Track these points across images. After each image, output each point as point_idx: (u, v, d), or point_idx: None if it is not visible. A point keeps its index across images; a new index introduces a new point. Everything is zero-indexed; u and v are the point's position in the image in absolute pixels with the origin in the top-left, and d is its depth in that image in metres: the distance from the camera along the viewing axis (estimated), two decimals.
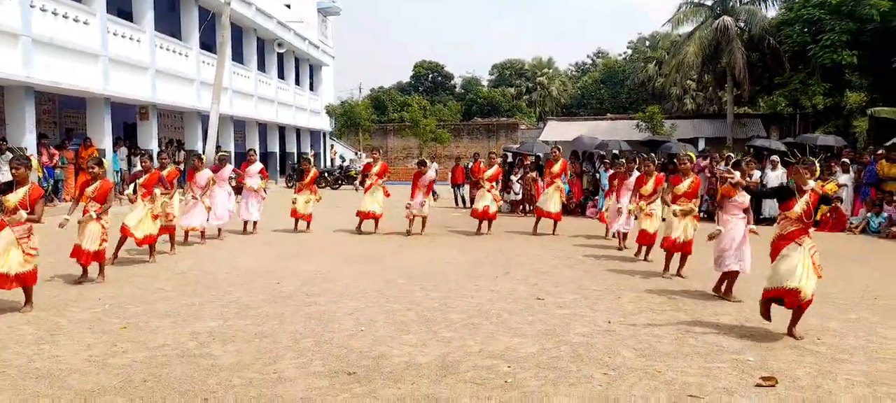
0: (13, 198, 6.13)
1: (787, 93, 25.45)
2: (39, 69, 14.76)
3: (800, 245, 5.65)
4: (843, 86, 25.47)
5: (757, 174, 15.02)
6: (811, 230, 5.81)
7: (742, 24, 26.97)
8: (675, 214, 8.29)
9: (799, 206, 5.73)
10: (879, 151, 14.53)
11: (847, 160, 14.80)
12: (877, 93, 23.88)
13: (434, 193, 12.95)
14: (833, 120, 27.16)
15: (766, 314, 5.86)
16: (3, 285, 6.03)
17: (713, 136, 29.50)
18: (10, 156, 6.72)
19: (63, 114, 19.38)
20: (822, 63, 22.01)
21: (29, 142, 14.88)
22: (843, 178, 14.36)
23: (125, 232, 8.76)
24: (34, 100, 15.30)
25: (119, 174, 18.39)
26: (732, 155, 16.86)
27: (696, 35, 27.87)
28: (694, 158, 10.78)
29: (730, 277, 7.24)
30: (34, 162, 14.81)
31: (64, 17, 15.76)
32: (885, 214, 13.38)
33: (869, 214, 13.66)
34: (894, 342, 5.62)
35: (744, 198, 7.22)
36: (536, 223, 13.03)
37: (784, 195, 5.96)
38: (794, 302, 5.56)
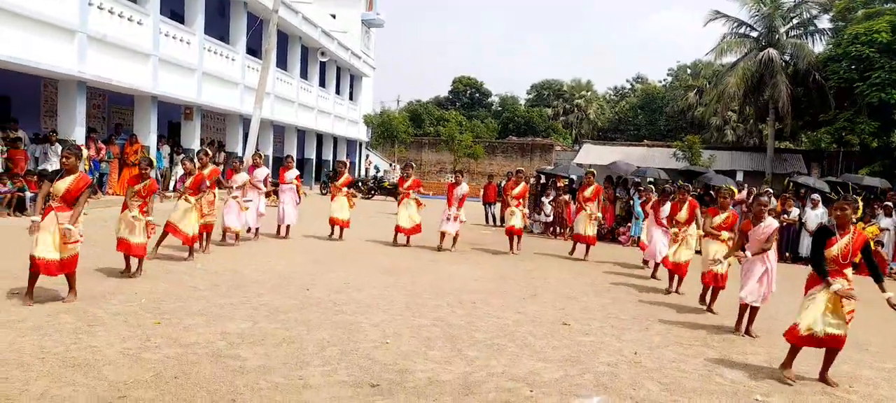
0: (61, 186, 6.37)
1: (833, 130, 24.89)
2: (93, 65, 15.30)
3: (830, 285, 5.48)
4: (892, 126, 24.81)
5: (795, 212, 14.73)
6: (848, 271, 5.62)
7: (787, 58, 26.56)
8: (716, 258, 8.10)
9: (837, 247, 5.56)
10: None
11: (890, 203, 14.40)
12: None
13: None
14: (879, 160, 26.48)
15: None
16: (49, 271, 6.25)
17: (752, 170, 29.00)
18: (60, 147, 6.97)
19: (111, 110, 20.03)
20: (870, 101, 21.49)
21: (78, 134, 15.40)
22: (885, 222, 13.97)
23: (171, 230, 9.06)
24: (86, 95, 15.85)
25: (161, 171, 18.89)
26: (769, 189, 16.56)
27: (739, 66, 27.53)
28: (736, 193, 10.67)
29: (743, 310, 7.13)
30: (83, 153, 15.36)
31: (119, 16, 16.33)
32: None
33: None
34: None
35: (764, 230, 7.05)
36: (574, 247, 12.94)
37: (823, 235, 5.78)
38: (789, 333, 5.51)
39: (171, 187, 9.59)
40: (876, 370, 6.10)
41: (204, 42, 20.40)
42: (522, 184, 13.34)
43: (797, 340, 5.49)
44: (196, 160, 10.58)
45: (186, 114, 20.62)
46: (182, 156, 17.46)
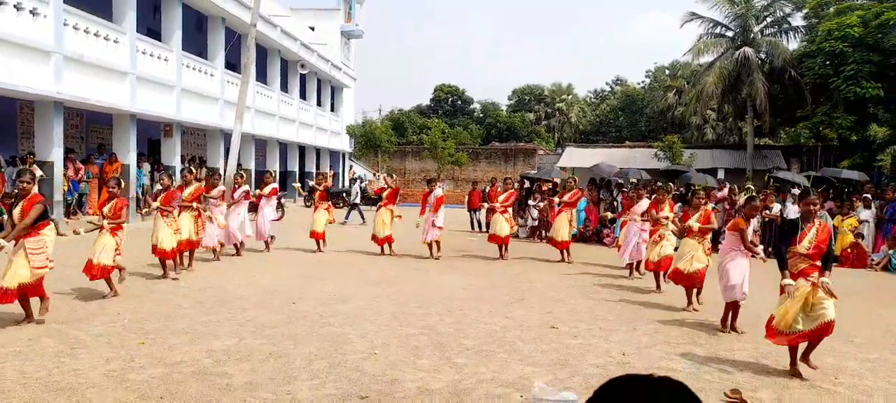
0: (16, 212, 6.27)
1: (811, 125, 25.25)
2: (69, 85, 15.11)
3: (808, 280, 5.53)
4: (868, 120, 25.22)
5: (777, 207, 14.90)
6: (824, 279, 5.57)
7: (763, 56, 26.91)
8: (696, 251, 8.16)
9: (806, 241, 5.64)
10: None
11: (869, 195, 14.61)
12: None
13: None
14: (857, 153, 26.89)
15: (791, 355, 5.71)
16: (5, 299, 6.13)
17: (733, 167, 29.30)
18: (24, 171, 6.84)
19: (90, 129, 19.79)
20: (845, 96, 21.84)
21: (56, 155, 15.18)
22: (865, 214, 14.17)
23: (158, 254, 8.99)
24: (63, 116, 15.65)
25: (141, 189, 18.69)
26: (751, 186, 16.74)
27: (716, 65, 27.84)
28: (707, 193, 10.76)
29: (728, 309, 7.19)
30: (37, 174, 15.15)
31: (95, 35, 16.16)
32: None
33: (890, 251, 13.45)
34: None
35: (751, 230, 7.16)
36: (562, 255, 12.93)
37: (791, 231, 5.84)
38: (767, 327, 5.57)
39: (152, 205, 9.47)
40: (860, 361, 6.16)
41: (182, 58, 20.24)
42: (510, 190, 13.32)
43: (785, 340, 5.51)
44: (179, 178, 10.51)
45: (166, 132, 20.43)
46: (161, 172, 17.32)
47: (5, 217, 12.78)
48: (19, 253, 6.16)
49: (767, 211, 14.68)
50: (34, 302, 6.40)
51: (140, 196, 18.35)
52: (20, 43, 13.56)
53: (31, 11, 13.82)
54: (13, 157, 15.76)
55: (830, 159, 26.94)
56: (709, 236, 8.48)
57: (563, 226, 12.55)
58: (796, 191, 15.03)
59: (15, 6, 13.41)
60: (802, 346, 5.63)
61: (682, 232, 8.53)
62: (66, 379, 4.80)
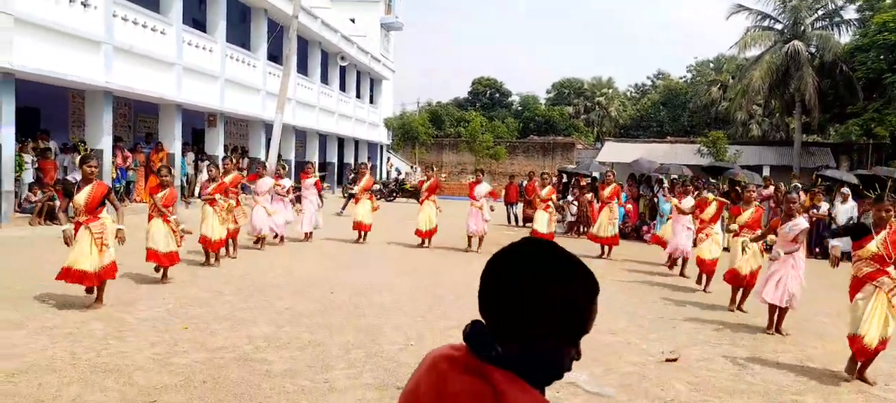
0: (81, 198, 6.47)
1: (862, 122, 24.37)
2: (118, 75, 15.56)
3: (877, 287, 5.34)
4: None
5: (825, 206, 14.44)
6: (892, 270, 5.36)
7: (813, 50, 26.05)
8: (743, 249, 7.93)
9: (874, 245, 5.41)
10: None
11: None
12: None
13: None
14: None
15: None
16: (85, 281, 6.38)
17: (779, 164, 28.48)
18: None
19: (137, 119, 20.36)
20: None
21: (105, 143, 15.67)
22: None
23: (206, 243, 9.21)
24: (112, 105, 16.12)
25: (185, 178, 19.15)
26: (799, 185, 16.26)
27: (763, 59, 27.05)
28: (757, 190, 10.49)
29: (772, 310, 6.99)
30: (107, 164, 15.64)
31: (143, 26, 16.59)
32: None
33: None
34: None
35: (792, 229, 6.91)
36: (602, 250, 12.80)
37: (858, 233, 5.63)
38: (859, 349, 5.28)
39: (196, 193, 9.69)
40: None
41: (226, 49, 20.63)
42: (549, 186, 13.11)
43: (869, 353, 5.29)
44: (220, 166, 10.73)
45: (210, 122, 20.87)
46: (208, 162, 17.72)
47: (57, 202, 13.28)
48: (85, 237, 6.37)
49: (815, 211, 14.25)
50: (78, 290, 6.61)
51: (184, 184, 18.79)
52: (72, 33, 14.02)
53: (82, 3, 14.26)
54: (64, 144, 16.33)
55: (882, 157, 25.96)
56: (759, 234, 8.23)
57: (605, 222, 12.41)
58: (846, 191, 14.54)
59: None
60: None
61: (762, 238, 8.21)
62: (113, 361, 4.96)
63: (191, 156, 19.83)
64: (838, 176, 17.37)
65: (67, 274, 6.32)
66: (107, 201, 6.65)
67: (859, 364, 5.42)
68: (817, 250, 14.06)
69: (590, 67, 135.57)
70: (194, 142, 21.71)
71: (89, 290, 6.60)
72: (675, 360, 5.72)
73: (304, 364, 5.11)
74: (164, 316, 6.39)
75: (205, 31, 20.08)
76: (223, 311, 6.73)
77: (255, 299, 7.39)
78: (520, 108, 58.80)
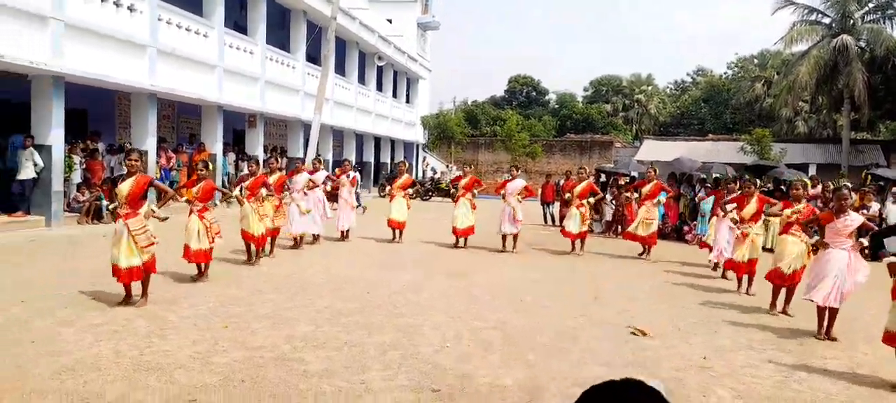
0: (124, 188, 6.64)
1: None
2: (162, 78, 15.97)
3: None
4: None
5: (875, 206, 13.91)
6: None
7: (863, 44, 25.18)
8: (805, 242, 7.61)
9: None
10: None
11: None
12: None
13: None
14: None
15: None
16: (129, 277, 6.54)
17: (825, 163, 27.62)
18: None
19: (180, 120, 20.87)
20: None
21: (150, 144, 16.10)
22: None
23: (247, 238, 9.35)
24: (156, 107, 16.56)
25: (227, 177, 19.53)
26: (848, 183, 15.72)
27: (810, 54, 26.26)
28: (809, 184, 10.14)
29: (822, 313, 6.74)
30: (152, 164, 16.05)
31: (187, 30, 16.98)
32: None
33: None
34: None
35: (848, 224, 6.66)
36: (643, 248, 12.58)
37: None
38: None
39: (237, 191, 9.83)
40: None
41: (266, 51, 20.98)
42: (586, 181, 12.86)
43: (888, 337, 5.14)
44: (265, 166, 10.88)
45: (250, 122, 21.25)
46: (248, 159, 18.04)
47: (104, 202, 13.69)
48: (124, 234, 6.53)
49: (865, 211, 13.73)
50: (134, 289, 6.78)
51: (226, 184, 19.19)
52: (118, 37, 14.43)
53: (128, 7, 14.67)
54: (111, 146, 16.83)
55: None
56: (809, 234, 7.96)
57: (643, 221, 12.18)
58: None
59: (114, 3, 14.26)
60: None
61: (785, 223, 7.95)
62: (155, 359, 5.07)
63: (231, 156, 20.23)
64: (890, 174, 16.72)
65: (116, 273, 6.50)
66: (152, 190, 6.80)
67: None
68: (867, 251, 13.56)
69: (628, 64, 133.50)
70: (235, 142, 22.14)
71: (128, 291, 6.72)
72: (643, 334, 6.08)
73: (340, 365, 5.14)
74: (205, 315, 6.52)
75: (246, 34, 20.46)
76: (263, 310, 6.83)
77: (295, 298, 7.48)
78: (557, 106, 58.32)
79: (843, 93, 25.61)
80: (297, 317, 6.59)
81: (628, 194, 15.24)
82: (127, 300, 6.67)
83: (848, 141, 27.21)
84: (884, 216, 13.74)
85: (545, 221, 19.44)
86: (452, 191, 13.30)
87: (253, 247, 9.50)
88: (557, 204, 18.73)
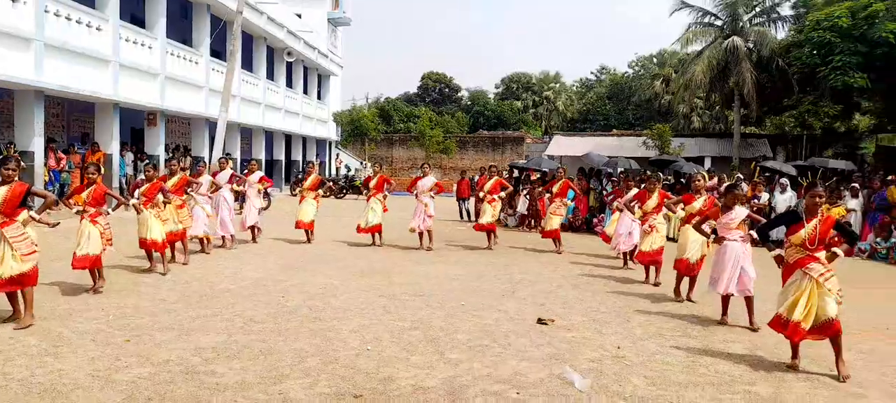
0: None
1: (797, 114, 25.40)
2: (50, 74, 14.79)
3: (807, 274, 5.50)
4: (853, 109, 25.35)
5: (765, 197, 14.94)
6: (822, 255, 5.54)
7: (751, 45, 26.95)
8: (711, 236, 7.91)
9: (804, 232, 5.55)
10: (890, 177, 14.42)
11: (856, 185, 14.70)
12: (886, 117, 23.79)
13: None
14: (841, 142, 27.08)
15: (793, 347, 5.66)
16: (3, 287, 5.95)
17: (719, 155, 29.45)
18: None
19: (71, 119, 19.43)
20: (833, 85, 21.94)
21: (37, 145, 14.88)
22: (852, 203, 14.25)
23: (145, 246, 8.81)
24: (43, 105, 15.33)
25: (125, 178, 18.40)
26: (740, 175, 16.79)
27: (704, 54, 27.84)
28: (707, 177, 10.70)
29: (725, 301, 7.15)
30: (39, 166, 14.86)
31: (77, 22, 15.81)
32: (893, 239, 13.27)
33: (877, 240, 13.55)
34: None
35: (734, 217, 7.08)
36: (556, 245, 12.86)
37: (790, 220, 5.78)
38: (795, 334, 5.44)
39: (136, 195, 9.23)
40: (854, 352, 6.09)
41: (166, 46, 19.90)
42: (494, 178, 13.26)
43: (800, 334, 5.43)
44: (165, 167, 10.30)
45: (150, 120, 20.11)
46: (146, 162, 17.02)
47: None
48: (1, 243, 5.95)
49: (756, 201, 14.72)
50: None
51: (123, 185, 18.06)
52: None
53: None
54: None
55: (815, 148, 27.12)
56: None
57: (553, 217, 12.50)
58: (785, 181, 15.09)
59: None
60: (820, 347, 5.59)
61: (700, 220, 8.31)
62: (49, 380, 4.66)
63: (130, 156, 19.08)
64: (778, 167, 18.02)
65: None
66: (30, 200, 6.24)
67: (799, 349, 5.58)
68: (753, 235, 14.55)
69: (536, 61, 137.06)
70: (134, 141, 20.90)
71: (14, 306, 6.15)
72: (551, 321, 6.68)
73: (256, 376, 4.92)
74: (104, 329, 6.07)
75: (144, 27, 19.32)
76: (168, 321, 6.44)
77: (203, 306, 7.11)
78: (469, 103, 58.97)
79: (733, 90, 27.33)
80: (206, 327, 6.26)
81: (540, 190, 15.66)
82: (14, 317, 6.10)
83: (739, 135, 29.10)
84: (772, 204, 14.78)
85: (461, 217, 19.59)
86: (365, 191, 13.16)
87: (155, 253, 8.96)
88: (473, 200, 18.92)
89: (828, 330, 5.41)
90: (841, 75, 21.22)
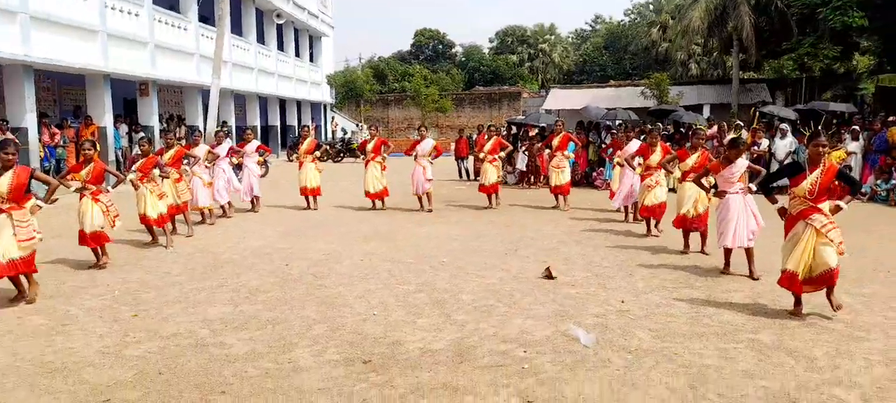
0: (3, 184, 5.99)
1: (796, 57, 25.15)
2: (38, 46, 14.55)
3: (809, 224, 5.50)
4: (852, 50, 25.06)
5: (765, 143, 14.88)
6: (826, 205, 5.57)
7: None
8: (711, 192, 7.89)
9: (806, 183, 5.53)
10: (891, 118, 14.34)
11: (857, 127, 14.63)
12: (885, 57, 23.55)
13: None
14: (840, 84, 26.87)
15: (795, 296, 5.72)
16: (9, 271, 5.94)
17: (718, 102, 29.25)
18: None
19: (62, 92, 19.20)
20: (833, 26, 21.66)
21: (29, 121, 14.73)
22: (853, 146, 14.21)
23: (145, 222, 8.78)
24: (33, 79, 15.12)
25: (121, 151, 18.28)
26: (740, 123, 16.66)
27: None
28: (705, 129, 10.62)
29: (728, 253, 7.18)
30: (34, 142, 14.76)
31: None
32: (894, 181, 13.27)
33: (878, 182, 13.55)
34: None
35: (736, 170, 7.06)
36: (557, 200, 12.82)
37: (793, 171, 5.76)
38: (791, 284, 5.49)
39: (132, 170, 9.15)
40: (854, 296, 6.20)
41: (153, 13, 19.54)
42: (494, 138, 13.18)
43: (798, 287, 5.50)
44: (162, 140, 10.22)
45: (142, 91, 19.87)
46: (141, 136, 16.89)
47: None
48: (6, 227, 5.93)
49: (756, 147, 14.68)
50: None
51: (120, 159, 17.95)
52: None
53: None
54: None
55: (815, 91, 26.91)
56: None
57: (558, 172, 12.45)
58: (785, 126, 15.00)
59: None
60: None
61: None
62: (60, 359, 4.69)
63: (124, 128, 18.92)
64: (776, 112, 17.89)
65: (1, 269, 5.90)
66: (34, 182, 6.20)
67: (802, 298, 5.63)
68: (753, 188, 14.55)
69: (531, 14, 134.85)
70: (127, 113, 20.69)
71: (18, 286, 6.16)
72: (551, 277, 6.91)
73: (265, 345, 4.96)
74: (110, 305, 6.09)
75: None
76: (174, 294, 6.46)
77: (208, 278, 7.13)
78: (464, 59, 58.29)
79: (732, 35, 26.99)
80: (212, 299, 6.28)
81: (539, 147, 15.59)
82: (19, 297, 6.11)
83: (737, 80, 28.86)
84: (772, 151, 14.73)
85: (460, 176, 19.55)
86: (361, 155, 13.07)
87: (155, 229, 8.95)
88: (472, 158, 18.86)
89: (829, 279, 5.45)
90: (840, 15, 20.95)
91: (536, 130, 17.75)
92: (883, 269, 7.40)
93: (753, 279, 6.86)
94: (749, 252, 7.03)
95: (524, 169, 17.28)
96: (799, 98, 26.90)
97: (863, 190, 13.62)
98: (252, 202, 12.50)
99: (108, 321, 5.58)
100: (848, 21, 20.81)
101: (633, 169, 10.24)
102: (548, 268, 7.11)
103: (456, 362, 4.60)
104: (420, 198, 12.39)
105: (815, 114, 16.16)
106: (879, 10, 20.82)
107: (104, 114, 17.54)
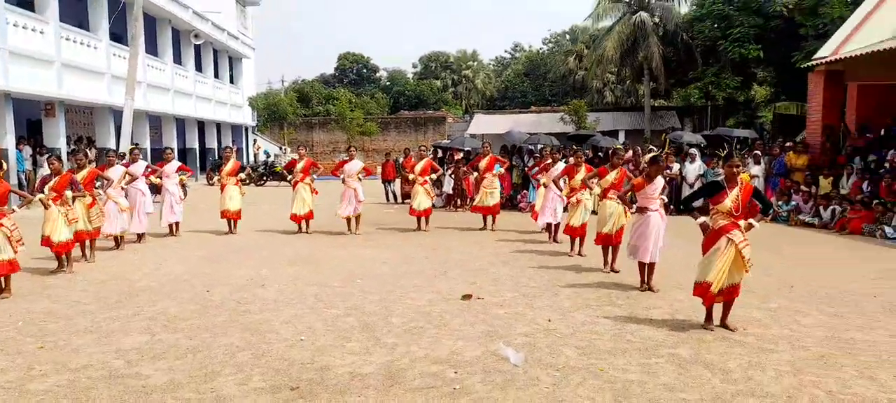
0: None
1: (701, 85, 26.79)
2: None
3: (731, 240, 5.84)
4: (751, 80, 26.95)
5: (676, 167, 15.67)
6: (742, 223, 5.95)
7: (657, 20, 28.11)
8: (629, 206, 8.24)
9: (729, 201, 5.90)
10: (788, 144, 15.46)
11: (758, 152, 15.67)
12: (780, 87, 25.46)
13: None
14: (741, 111, 28.79)
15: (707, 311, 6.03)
16: None
17: (632, 128, 30.67)
18: None
19: None
20: (732, 57, 23.24)
21: None
22: (755, 169, 15.19)
23: (47, 245, 8.23)
24: None
25: (24, 174, 17.15)
26: (653, 147, 17.48)
27: (614, 30, 28.80)
28: (623, 151, 11.14)
29: (642, 268, 7.52)
30: None
31: None
32: (793, 202, 14.26)
33: (779, 203, 14.52)
34: (812, 329, 5.97)
35: (656, 187, 7.45)
36: (484, 221, 12.99)
37: (712, 190, 6.13)
38: (704, 295, 5.81)
39: (41, 194, 8.58)
40: (763, 310, 6.59)
41: (60, 30, 18.57)
42: (425, 159, 13.16)
43: (711, 299, 5.82)
44: (72, 161, 9.65)
45: (47, 111, 18.77)
46: (47, 155, 15.89)
47: None
48: None
49: (668, 171, 15.42)
50: None
51: (23, 182, 16.82)
52: None
53: None
54: None
55: (719, 118, 28.71)
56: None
57: (484, 194, 12.64)
58: (694, 151, 15.87)
59: None
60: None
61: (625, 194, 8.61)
62: None
63: (28, 150, 17.79)
64: (687, 138, 18.89)
65: None
66: None
67: (713, 312, 5.97)
68: (672, 207, 15.27)
69: (453, 42, 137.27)
70: (31, 134, 19.47)
71: None
72: (471, 297, 7.02)
73: (185, 375, 4.73)
74: (13, 336, 5.66)
75: (33, 11, 17.92)
76: (84, 324, 6.07)
77: (121, 306, 6.75)
78: (388, 83, 58.46)
79: (642, 64, 28.49)
80: (127, 328, 5.95)
81: (466, 169, 15.79)
82: None
83: (649, 108, 30.42)
84: (683, 174, 15.54)
85: (387, 199, 19.49)
86: (289, 176, 12.81)
87: (61, 255, 8.40)
88: (398, 181, 18.86)
89: (733, 292, 5.83)
90: (738, 47, 22.51)
91: (462, 154, 17.97)
92: (786, 285, 7.89)
93: (653, 291, 7.29)
94: (652, 266, 7.38)
95: (451, 192, 17.44)
96: (705, 124, 28.61)
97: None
98: (170, 228, 11.96)
99: (10, 353, 5.17)
100: (745, 53, 22.41)
101: (560, 189, 10.56)
102: (468, 295, 7.17)
103: (386, 385, 4.55)
104: (348, 221, 12.25)
105: (720, 139, 17.16)
106: (774, 43, 22.55)
107: (6, 135, 16.46)
